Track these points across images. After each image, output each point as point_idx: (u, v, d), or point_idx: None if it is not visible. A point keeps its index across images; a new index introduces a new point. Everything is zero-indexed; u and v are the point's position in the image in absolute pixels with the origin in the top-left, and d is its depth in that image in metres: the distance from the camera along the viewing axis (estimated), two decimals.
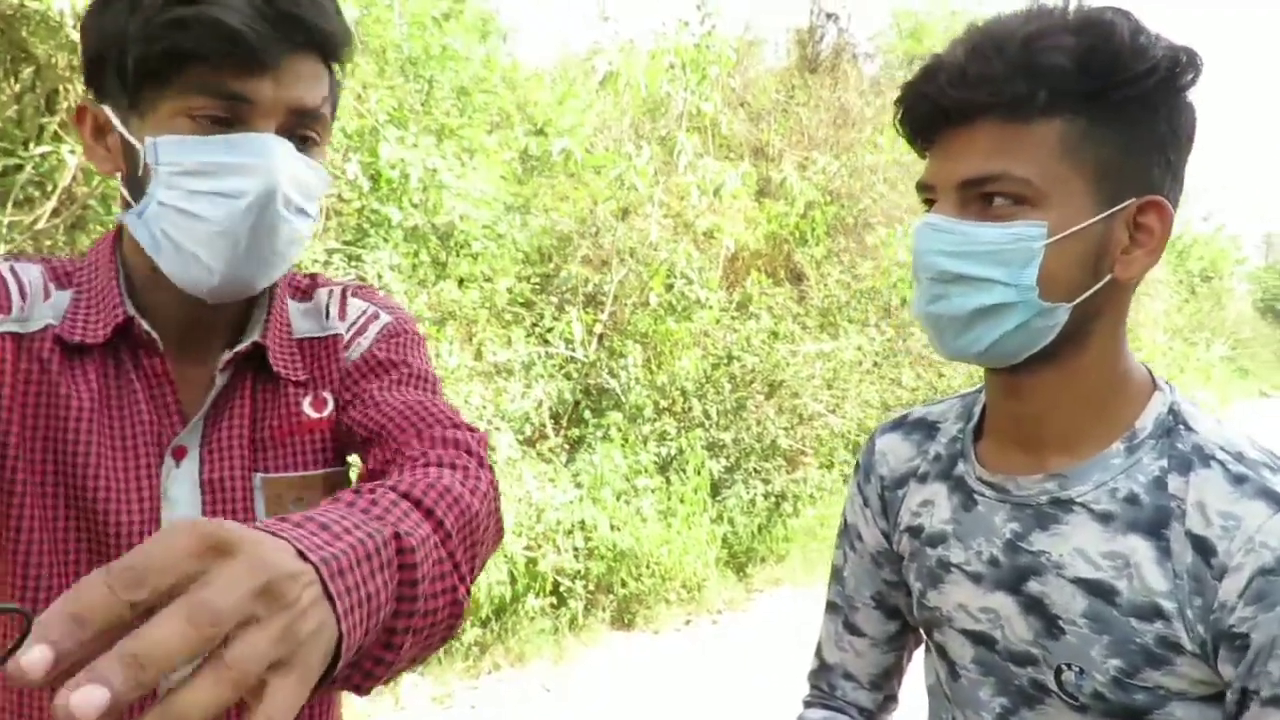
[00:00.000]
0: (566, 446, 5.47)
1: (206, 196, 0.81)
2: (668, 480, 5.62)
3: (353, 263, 4.47)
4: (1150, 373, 0.88)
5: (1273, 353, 23.33)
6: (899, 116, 0.85)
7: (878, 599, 1.06)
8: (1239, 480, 0.78)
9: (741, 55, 8.32)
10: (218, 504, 0.92)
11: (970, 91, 0.77)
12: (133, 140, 0.83)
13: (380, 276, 4.45)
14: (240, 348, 0.93)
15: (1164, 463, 0.82)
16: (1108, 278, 0.80)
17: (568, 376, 5.61)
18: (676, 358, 6.10)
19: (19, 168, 3.71)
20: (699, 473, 5.73)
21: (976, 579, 0.91)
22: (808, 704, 1.12)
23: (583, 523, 4.85)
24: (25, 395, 0.86)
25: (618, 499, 5.14)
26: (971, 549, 0.91)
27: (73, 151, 3.69)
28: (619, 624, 4.97)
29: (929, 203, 0.85)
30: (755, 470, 6.18)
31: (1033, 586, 0.86)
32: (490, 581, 4.27)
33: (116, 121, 0.84)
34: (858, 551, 1.07)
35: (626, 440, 5.49)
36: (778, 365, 6.52)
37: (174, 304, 0.90)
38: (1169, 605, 0.78)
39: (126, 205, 0.88)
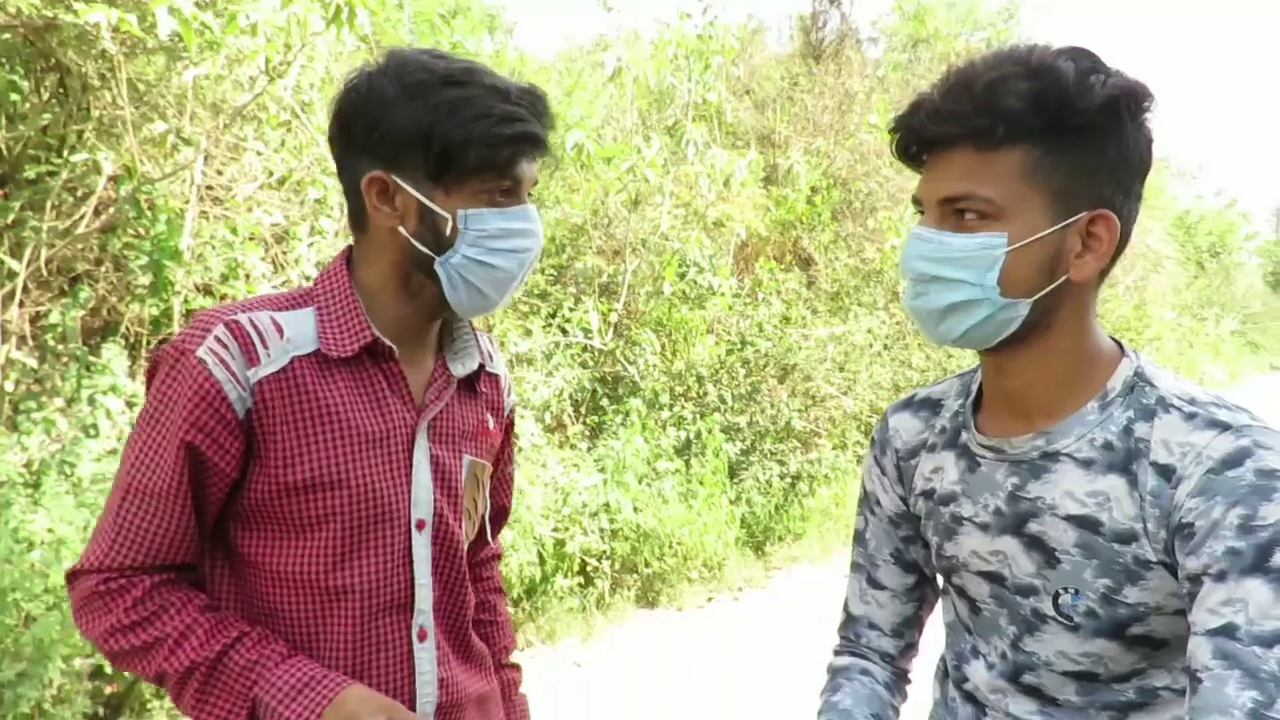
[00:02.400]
0: (588, 433, 5.60)
1: (503, 253, 1.13)
2: (687, 463, 5.75)
3: None
4: (1119, 344, 1.04)
5: None
6: (893, 145, 1.02)
7: (896, 555, 1.22)
8: (1191, 417, 0.95)
9: (745, 43, 8.40)
10: (440, 475, 1.20)
11: (944, 125, 0.95)
12: (438, 209, 1.11)
13: None
14: (473, 369, 1.26)
15: (1130, 414, 0.98)
16: (1063, 278, 0.96)
17: (584, 365, 5.73)
18: (691, 344, 6.22)
19: (53, 174, 3.82)
20: (717, 455, 5.86)
21: (985, 528, 1.06)
22: (837, 652, 1.28)
23: (607, 505, 4.98)
24: (297, 420, 1.11)
25: (639, 482, 5.27)
26: (979, 503, 1.07)
27: (108, 158, 3.81)
28: (644, 602, 5.11)
29: (921, 213, 1.02)
30: (771, 452, 6.31)
31: (1032, 527, 1.02)
32: (521, 562, 4.41)
33: (416, 194, 1.10)
34: (877, 515, 1.23)
35: (646, 426, 5.62)
36: (790, 349, 6.64)
37: (402, 320, 1.18)
38: (1138, 526, 0.94)
39: (410, 252, 1.13)
